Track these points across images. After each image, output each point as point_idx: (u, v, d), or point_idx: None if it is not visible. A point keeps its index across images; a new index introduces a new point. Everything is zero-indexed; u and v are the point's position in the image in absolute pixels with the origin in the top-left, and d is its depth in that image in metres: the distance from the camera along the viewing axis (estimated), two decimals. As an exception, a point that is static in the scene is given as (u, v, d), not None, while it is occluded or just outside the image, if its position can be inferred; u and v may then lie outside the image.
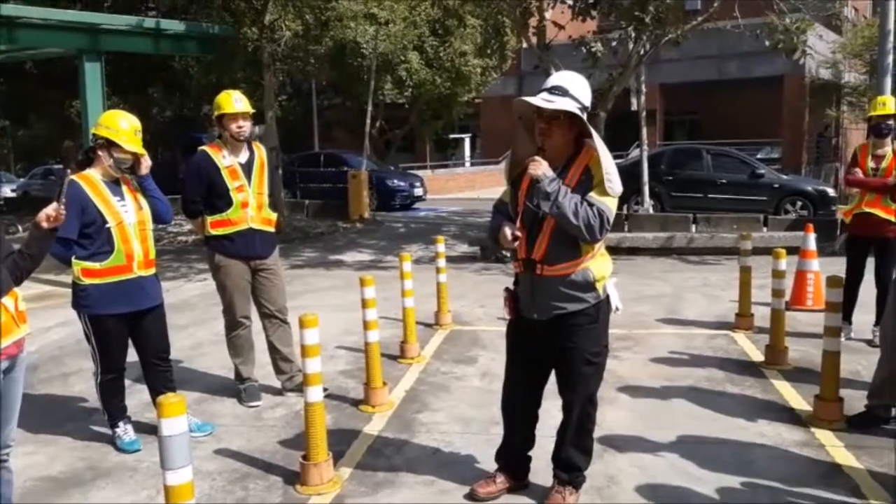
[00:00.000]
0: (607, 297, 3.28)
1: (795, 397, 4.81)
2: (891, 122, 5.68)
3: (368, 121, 17.85)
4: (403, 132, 24.75)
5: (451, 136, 30.94)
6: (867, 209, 5.74)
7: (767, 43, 11.33)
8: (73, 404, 5.05)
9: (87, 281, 3.96)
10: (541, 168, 3.11)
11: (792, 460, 3.92)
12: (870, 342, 5.80)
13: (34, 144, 29.46)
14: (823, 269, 6.70)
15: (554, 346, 3.30)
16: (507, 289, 3.44)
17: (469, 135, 32.77)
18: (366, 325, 4.81)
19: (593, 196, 3.10)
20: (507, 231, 3.18)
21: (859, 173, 5.76)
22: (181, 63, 20.80)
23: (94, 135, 4.01)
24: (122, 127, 3.94)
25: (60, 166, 25.34)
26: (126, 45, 14.97)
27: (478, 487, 3.54)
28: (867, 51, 20.91)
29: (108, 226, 3.93)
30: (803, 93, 24.50)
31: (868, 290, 5.86)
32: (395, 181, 19.85)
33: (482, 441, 4.12)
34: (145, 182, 4.16)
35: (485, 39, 21.09)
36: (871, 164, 5.72)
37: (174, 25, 15.46)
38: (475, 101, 24.75)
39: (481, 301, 7.78)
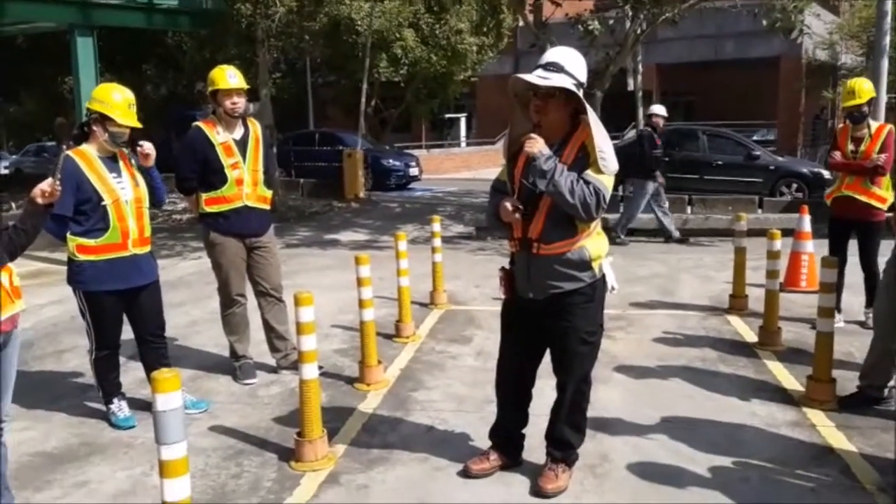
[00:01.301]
0: (603, 276, 3.28)
1: (788, 378, 4.84)
2: (864, 108, 5.61)
3: (363, 99, 17.74)
4: (399, 111, 24.60)
5: (447, 115, 30.79)
6: (847, 192, 5.69)
7: (765, 22, 11.28)
8: (68, 381, 5.06)
9: (82, 257, 3.94)
10: (537, 146, 3.10)
11: (783, 440, 3.95)
12: (862, 324, 5.82)
13: (26, 121, 29.23)
14: (818, 250, 6.71)
15: (549, 325, 3.30)
16: (502, 268, 3.43)
17: (465, 114, 32.62)
18: (361, 304, 4.81)
19: (589, 174, 3.09)
20: (508, 204, 3.18)
21: (839, 156, 5.73)
22: (175, 39, 20.63)
23: (87, 109, 3.98)
24: (115, 100, 3.90)
25: (54, 143, 25.18)
26: (118, 20, 14.83)
27: (471, 464, 3.56)
28: (864, 32, 20.84)
29: (103, 203, 3.91)
30: (800, 74, 24.44)
31: (857, 273, 5.85)
32: (391, 161, 19.77)
33: (476, 419, 4.14)
34: (151, 172, 4.17)
35: (481, 17, 20.96)
36: (850, 146, 5.68)
37: (167, 0, 15.30)
38: (471, 80, 24.59)
39: (476, 281, 7.78)
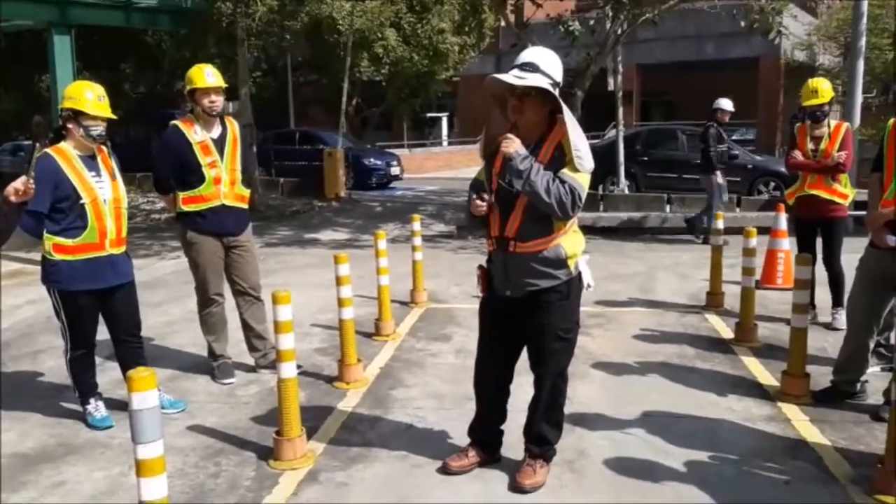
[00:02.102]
0: (579, 274, 3.31)
1: (764, 373, 4.90)
2: (825, 108, 5.69)
3: (345, 98, 17.70)
4: (380, 110, 24.58)
5: (429, 114, 30.79)
6: (810, 191, 5.76)
7: (743, 23, 11.39)
8: (44, 381, 5.01)
9: (57, 256, 3.91)
10: (513, 145, 3.12)
11: (759, 434, 4.00)
12: (827, 325, 5.83)
13: (2, 119, 28.87)
14: (794, 248, 6.76)
15: (526, 322, 3.33)
16: (480, 266, 3.45)
17: (446, 114, 32.64)
18: (340, 303, 4.81)
19: (565, 173, 3.11)
20: (476, 199, 3.21)
21: (799, 155, 5.80)
22: (154, 38, 20.47)
23: (61, 109, 3.96)
24: (85, 95, 3.90)
25: (30, 142, 24.87)
26: (96, 18, 14.70)
27: (450, 461, 3.58)
28: (842, 33, 21.09)
29: (81, 202, 3.88)
30: (778, 74, 24.70)
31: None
32: (372, 160, 19.73)
33: (455, 416, 4.15)
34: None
35: (463, 17, 21.01)
36: (810, 145, 5.75)
37: (146, -1, 15.19)
38: (453, 80, 24.61)
39: (457, 279, 7.80)
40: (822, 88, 5.66)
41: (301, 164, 18.79)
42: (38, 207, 3.73)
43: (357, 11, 18.40)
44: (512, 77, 3.09)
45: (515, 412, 3.64)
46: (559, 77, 3.19)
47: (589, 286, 3.38)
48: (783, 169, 14.26)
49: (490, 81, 3.22)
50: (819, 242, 5.86)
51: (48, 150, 3.85)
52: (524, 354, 3.49)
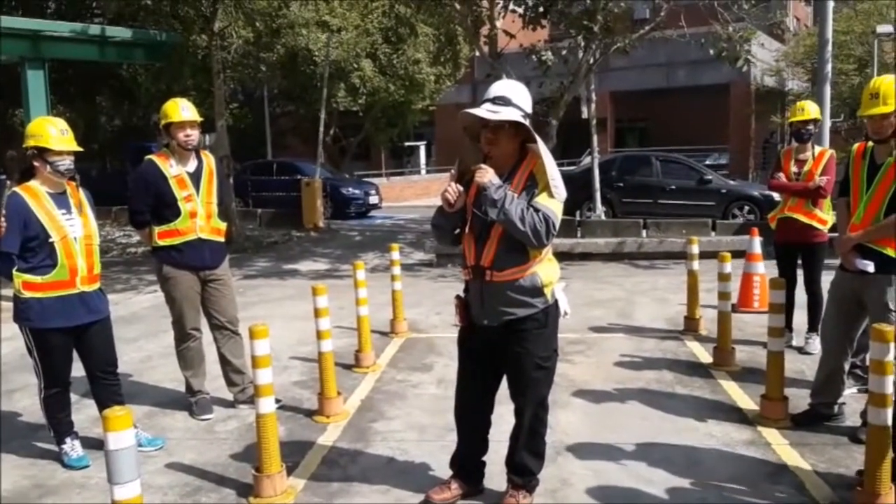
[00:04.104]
0: (556, 301, 3.33)
1: (743, 397, 4.93)
2: (810, 126, 5.81)
3: (322, 128, 17.76)
4: (358, 140, 24.68)
5: (407, 143, 30.96)
6: (790, 214, 5.83)
7: (712, 52, 11.62)
8: (18, 420, 4.92)
9: (27, 294, 3.86)
10: (487, 175, 3.15)
11: (740, 459, 4.02)
12: (800, 349, 5.87)
13: (-25, 154, 28.66)
14: (769, 271, 6.86)
15: (504, 351, 3.33)
16: (457, 296, 3.46)
17: (424, 142, 32.82)
18: (319, 335, 4.79)
19: (538, 202, 3.15)
20: (446, 192, 3.23)
21: (782, 177, 5.88)
22: (129, 71, 20.41)
23: (25, 148, 3.93)
24: (48, 131, 3.87)
25: (3, 177, 24.63)
26: (70, 53, 14.62)
27: (433, 494, 3.55)
28: (808, 59, 21.59)
29: (51, 240, 3.84)
30: (749, 100, 25.19)
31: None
32: (350, 189, 19.75)
33: (438, 448, 4.13)
34: None
35: (438, 48, 21.24)
36: (793, 168, 5.83)
37: (120, 32, 15.16)
38: (430, 109, 24.81)
39: (437, 308, 7.79)
40: (808, 108, 5.81)
41: (279, 195, 18.77)
42: (8, 248, 3.70)
43: (333, 43, 18.54)
44: (485, 111, 3.14)
45: (496, 442, 3.63)
46: (529, 108, 3.25)
47: (566, 313, 3.40)
48: (756, 193, 14.70)
49: (463, 116, 3.26)
50: (801, 266, 5.92)
51: (17, 188, 3.82)
52: (504, 384, 3.49)
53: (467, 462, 3.62)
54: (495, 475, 3.62)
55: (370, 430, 4.57)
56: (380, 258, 11.53)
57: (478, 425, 3.57)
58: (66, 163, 3.91)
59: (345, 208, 19.04)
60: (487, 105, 3.16)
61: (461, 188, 3.25)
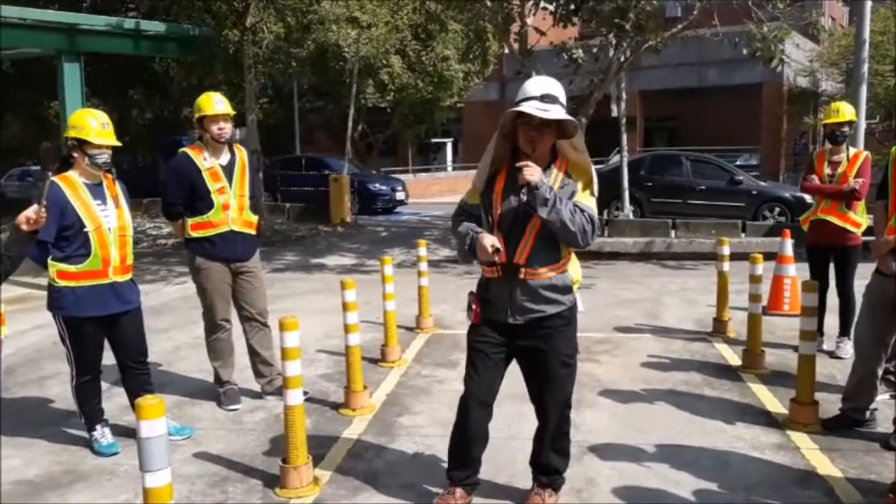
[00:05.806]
0: (576, 299, 3.32)
1: (772, 400, 4.87)
2: (845, 128, 5.70)
3: (350, 124, 17.83)
4: (385, 136, 24.73)
5: (434, 140, 30.97)
6: (823, 216, 5.73)
7: (745, 51, 11.46)
8: (50, 407, 5.01)
9: (61, 283, 3.93)
10: (537, 174, 3.06)
11: (768, 464, 3.97)
12: (831, 353, 5.78)
13: (10, 145, 29.11)
14: (800, 274, 6.77)
15: (528, 349, 3.29)
16: (471, 293, 3.39)
17: (451, 139, 32.81)
18: (346, 329, 4.81)
19: (582, 202, 3.14)
20: (487, 243, 3.09)
21: (815, 179, 5.78)
22: (162, 65, 20.66)
23: (65, 138, 3.99)
24: (89, 124, 3.92)
25: (38, 167, 25.05)
26: (105, 46, 14.87)
27: (439, 501, 3.47)
28: (843, 60, 21.22)
29: (86, 230, 3.90)
30: (781, 100, 24.82)
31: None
32: (377, 185, 19.83)
33: (462, 444, 4.12)
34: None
35: (467, 44, 21.20)
36: (827, 170, 5.73)
37: (154, 26, 15.38)
38: (457, 106, 24.78)
39: (463, 305, 7.65)
40: (844, 109, 5.69)
41: (307, 190, 18.89)
42: (45, 237, 3.75)
43: (363, 39, 18.60)
44: (536, 109, 3.04)
45: (520, 440, 3.62)
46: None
47: (580, 311, 3.38)
48: (787, 195, 14.50)
49: (510, 113, 3.15)
50: (833, 269, 5.82)
51: (55, 178, 3.88)
52: (505, 383, 3.42)
53: (467, 470, 3.47)
54: (521, 473, 3.61)
55: (395, 425, 4.58)
56: (406, 254, 11.55)
57: (485, 425, 3.43)
58: (105, 156, 3.97)
59: (371, 204, 19.11)
60: (535, 103, 3.06)
61: (499, 245, 3.12)
